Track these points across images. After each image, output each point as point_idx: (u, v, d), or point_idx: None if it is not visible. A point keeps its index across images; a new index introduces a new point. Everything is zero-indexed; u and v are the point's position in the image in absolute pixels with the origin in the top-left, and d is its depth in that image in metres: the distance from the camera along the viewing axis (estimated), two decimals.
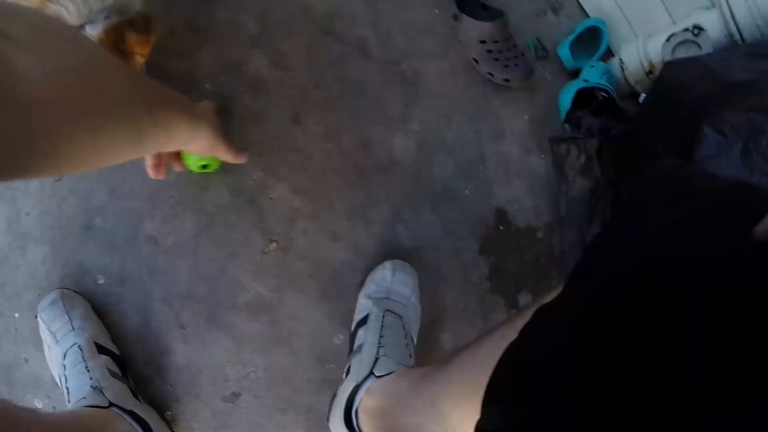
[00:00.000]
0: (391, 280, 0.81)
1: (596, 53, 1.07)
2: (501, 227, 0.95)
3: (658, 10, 0.99)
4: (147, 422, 0.68)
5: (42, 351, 0.75)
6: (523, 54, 1.00)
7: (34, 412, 0.59)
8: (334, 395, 0.76)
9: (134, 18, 0.62)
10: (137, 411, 0.68)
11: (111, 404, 0.66)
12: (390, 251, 0.86)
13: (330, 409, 0.76)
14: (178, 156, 0.74)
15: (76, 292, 0.76)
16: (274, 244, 0.82)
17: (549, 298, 0.31)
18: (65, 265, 0.78)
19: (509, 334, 0.33)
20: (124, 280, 0.78)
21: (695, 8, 0.93)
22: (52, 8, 0.55)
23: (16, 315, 0.77)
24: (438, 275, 0.88)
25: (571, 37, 1.08)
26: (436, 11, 1.01)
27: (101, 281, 0.78)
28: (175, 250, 0.80)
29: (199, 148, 0.66)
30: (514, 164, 0.98)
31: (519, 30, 1.04)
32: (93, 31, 0.58)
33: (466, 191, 0.94)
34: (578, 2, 1.14)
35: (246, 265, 0.81)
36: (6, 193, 0.79)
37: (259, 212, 0.83)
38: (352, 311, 0.82)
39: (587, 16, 1.13)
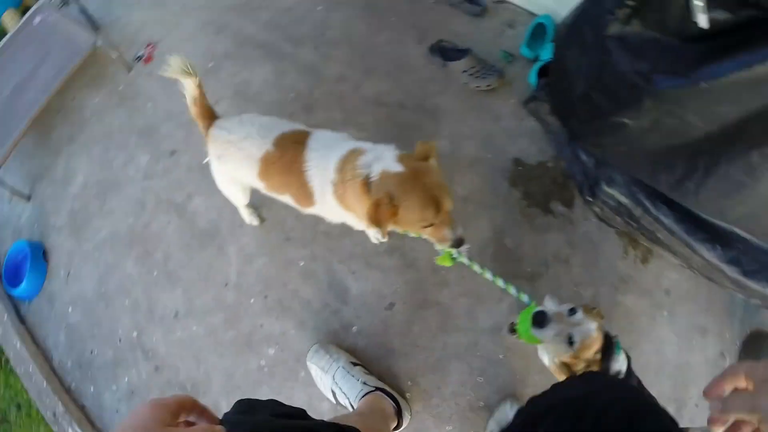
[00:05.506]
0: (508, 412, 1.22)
1: (546, 40, 1.45)
2: (520, 167, 1.46)
3: None
4: (396, 397, 1.23)
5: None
6: (493, 65, 1.58)
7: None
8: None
9: None
10: (386, 388, 1.24)
11: (376, 388, 1.21)
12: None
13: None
14: None
15: (327, 342, 1.34)
16: None
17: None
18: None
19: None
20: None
21: None
22: None
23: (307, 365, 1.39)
24: (488, 206, 1.42)
25: (525, 38, 1.46)
26: (432, 66, 1.47)
27: (354, 329, 1.34)
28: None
29: None
30: (515, 130, 1.53)
31: (491, 51, 1.46)
32: None
33: (489, 156, 1.50)
34: (527, 11, 1.51)
35: None
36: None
37: None
38: None
39: (536, 16, 1.50)
